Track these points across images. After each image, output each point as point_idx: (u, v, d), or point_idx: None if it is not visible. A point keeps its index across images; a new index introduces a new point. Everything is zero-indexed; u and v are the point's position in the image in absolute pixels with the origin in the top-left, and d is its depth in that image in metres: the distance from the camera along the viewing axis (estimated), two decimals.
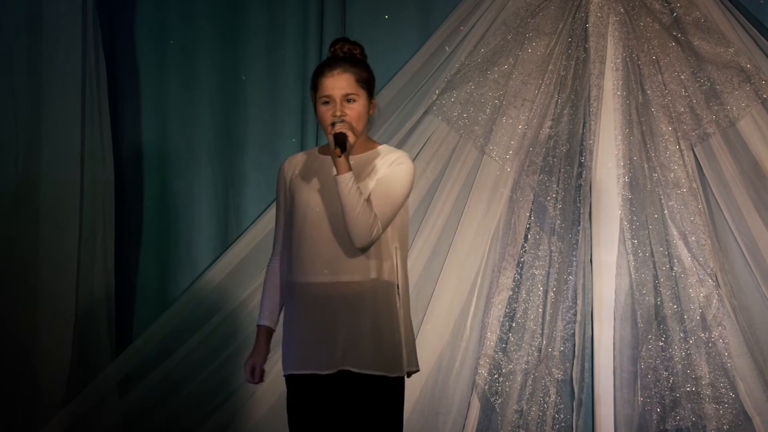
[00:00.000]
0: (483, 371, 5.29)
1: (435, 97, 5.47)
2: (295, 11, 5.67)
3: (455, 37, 5.50)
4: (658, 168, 5.31)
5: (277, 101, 5.69)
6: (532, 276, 5.33)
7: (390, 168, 3.81)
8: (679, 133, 5.34)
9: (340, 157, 3.67)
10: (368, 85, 3.84)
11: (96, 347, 5.47)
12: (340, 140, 3.69)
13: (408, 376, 3.83)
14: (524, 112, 5.42)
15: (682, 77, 5.36)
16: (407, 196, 3.83)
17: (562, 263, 5.30)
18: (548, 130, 5.40)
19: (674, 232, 5.27)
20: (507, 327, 5.35)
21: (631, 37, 5.38)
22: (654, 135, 5.33)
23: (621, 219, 5.32)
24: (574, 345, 5.29)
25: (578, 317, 5.28)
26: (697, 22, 5.38)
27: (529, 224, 5.38)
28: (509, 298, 5.36)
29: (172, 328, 5.44)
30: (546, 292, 5.31)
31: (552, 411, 5.25)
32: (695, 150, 5.36)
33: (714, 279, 5.22)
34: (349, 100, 3.80)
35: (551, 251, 5.32)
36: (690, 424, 5.16)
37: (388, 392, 3.76)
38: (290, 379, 3.84)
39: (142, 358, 5.42)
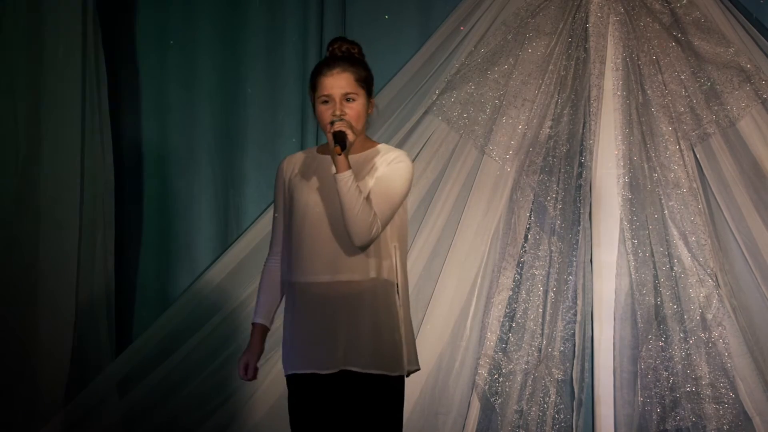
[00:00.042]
0: (483, 371, 5.29)
1: (435, 97, 5.47)
2: (295, 11, 5.67)
3: (455, 37, 5.50)
4: (658, 168, 5.31)
5: (277, 101, 5.69)
6: (532, 276, 5.33)
7: (389, 167, 3.81)
8: (679, 133, 5.34)
9: (340, 155, 3.67)
10: (367, 84, 3.84)
11: (96, 347, 5.47)
12: (340, 138, 3.69)
13: (407, 375, 3.83)
14: (524, 112, 5.42)
15: (682, 77, 5.36)
16: (406, 195, 3.83)
17: (562, 263, 5.30)
18: (548, 130, 5.40)
19: (674, 232, 5.27)
20: (507, 327, 5.35)
21: (631, 37, 5.38)
22: (654, 135, 5.33)
23: (621, 219, 5.32)
24: (574, 345, 5.29)
25: (578, 317, 5.28)
26: (697, 22, 5.38)
27: (529, 224, 5.38)
28: (509, 298, 5.36)
29: (172, 328, 5.44)
30: (546, 292, 5.31)
31: (552, 411, 5.25)
32: (695, 150, 5.36)
33: (714, 279, 5.22)
34: (348, 99, 3.80)
35: (551, 251, 5.32)
36: (690, 424, 5.16)
37: (389, 391, 3.77)
38: (291, 379, 3.85)
39: (142, 358, 5.42)
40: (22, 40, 5.37)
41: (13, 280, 5.32)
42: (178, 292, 5.61)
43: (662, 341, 5.23)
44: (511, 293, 5.35)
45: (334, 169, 3.71)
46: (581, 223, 5.34)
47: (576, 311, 5.29)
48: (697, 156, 5.36)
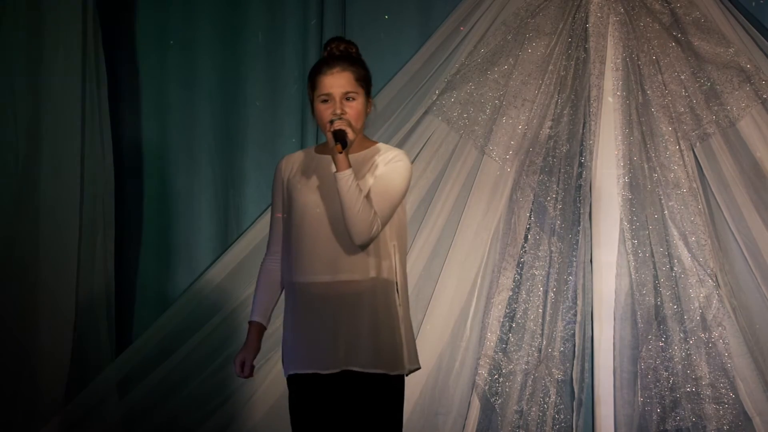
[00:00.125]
0: (483, 371, 5.29)
1: (435, 97, 5.47)
2: (295, 11, 5.67)
3: (455, 37, 5.50)
4: (658, 168, 5.31)
5: (277, 101, 5.69)
6: (532, 276, 5.33)
7: (388, 166, 3.82)
8: (679, 133, 5.34)
9: (341, 153, 3.68)
10: (367, 83, 3.85)
11: (96, 347, 5.47)
12: (340, 137, 3.69)
13: (407, 374, 3.83)
14: (524, 112, 5.42)
15: (682, 77, 5.36)
16: (405, 194, 3.84)
17: (562, 263, 5.30)
18: (548, 130, 5.40)
19: (674, 232, 5.27)
20: (507, 327, 5.35)
21: (631, 37, 5.37)
22: (654, 135, 5.33)
23: (621, 219, 5.32)
24: (574, 345, 5.29)
25: (578, 317, 5.28)
26: (697, 22, 5.38)
27: (529, 224, 5.38)
28: (509, 298, 5.35)
29: (172, 328, 5.44)
30: (546, 293, 5.31)
31: (552, 411, 5.25)
32: (695, 150, 5.36)
33: (714, 279, 5.22)
34: (348, 99, 3.81)
35: (551, 251, 5.32)
36: (690, 424, 5.16)
37: (389, 390, 3.77)
38: (292, 379, 3.85)
39: (142, 358, 5.42)
40: (22, 40, 5.36)
41: (13, 280, 5.32)
42: (178, 292, 5.61)
43: (662, 341, 5.23)
44: (511, 293, 5.35)
45: (334, 168, 3.72)
46: (581, 223, 5.34)
47: (576, 311, 5.29)
48: (697, 156, 5.36)
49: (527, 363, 5.28)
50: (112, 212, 5.59)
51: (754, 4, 5.43)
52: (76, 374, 5.38)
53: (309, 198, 3.83)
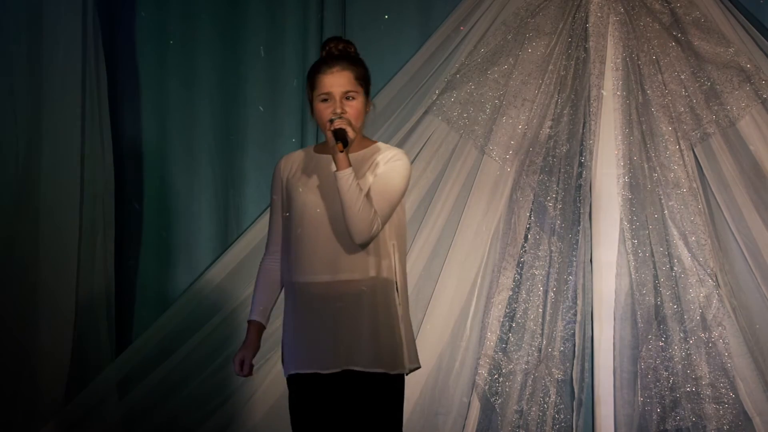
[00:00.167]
0: (483, 371, 5.29)
1: (435, 97, 5.47)
2: (295, 11, 5.67)
3: (455, 37, 5.50)
4: (658, 168, 5.31)
5: (277, 101, 5.69)
6: (532, 276, 5.33)
7: (387, 165, 3.82)
8: (679, 133, 5.34)
9: (342, 152, 3.68)
10: (366, 83, 3.86)
11: (96, 347, 5.47)
12: (341, 135, 3.69)
13: (408, 373, 3.84)
14: (524, 112, 5.42)
15: (682, 77, 5.36)
16: (404, 192, 3.84)
17: (562, 263, 5.30)
18: (548, 130, 5.40)
19: (674, 232, 5.27)
20: (507, 327, 5.35)
21: (631, 37, 5.38)
22: (654, 135, 5.33)
23: (621, 219, 5.32)
24: (574, 345, 5.29)
25: (578, 317, 5.28)
26: (697, 22, 5.38)
27: (529, 224, 5.38)
28: (509, 298, 5.35)
29: (172, 328, 5.44)
30: (546, 292, 5.31)
31: (552, 411, 5.25)
32: (695, 150, 5.36)
33: (714, 279, 5.22)
34: (348, 98, 3.81)
35: (551, 251, 5.32)
36: (690, 424, 5.16)
37: (390, 389, 3.77)
38: (292, 379, 3.85)
39: (142, 358, 5.42)
40: (22, 40, 5.36)
41: (13, 280, 5.32)
42: (178, 292, 5.61)
43: (662, 341, 5.23)
44: (511, 293, 5.35)
45: (334, 167, 3.72)
46: (581, 223, 5.34)
47: (576, 311, 5.29)
48: (697, 156, 5.36)
49: (527, 363, 5.28)
50: (112, 212, 5.59)
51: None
52: (76, 374, 5.38)
53: (308, 198, 3.83)
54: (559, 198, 5.35)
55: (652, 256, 5.28)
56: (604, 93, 5.35)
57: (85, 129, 5.45)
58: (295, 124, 5.66)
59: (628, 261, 5.28)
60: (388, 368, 3.76)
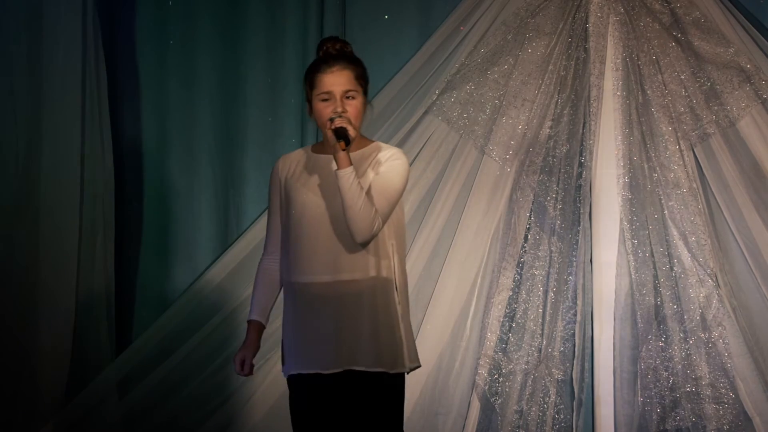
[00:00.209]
0: (483, 371, 5.29)
1: (435, 97, 5.47)
2: (295, 11, 5.67)
3: (455, 37, 5.50)
4: (658, 168, 5.31)
5: (277, 101, 5.69)
6: (532, 276, 5.33)
7: (386, 164, 3.83)
8: (679, 133, 5.34)
9: (344, 150, 3.68)
10: (365, 82, 3.87)
11: (96, 347, 5.47)
12: (343, 134, 3.69)
13: (408, 373, 3.84)
14: (524, 112, 5.42)
15: (682, 77, 5.36)
16: (403, 191, 3.85)
17: (562, 263, 5.30)
18: (548, 130, 5.40)
19: (674, 232, 5.27)
20: (507, 327, 5.35)
21: (631, 37, 5.38)
22: (654, 135, 5.33)
23: (621, 219, 5.32)
24: (574, 345, 5.29)
25: (578, 317, 5.28)
26: (697, 22, 5.38)
27: (529, 224, 5.38)
28: (509, 298, 5.35)
29: (172, 328, 5.44)
30: (546, 292, 5.31)
31: (552, 411, 5.25)
32: (695, 150, 5.36)
33: (714, 279, 5.22)
34: (348, 97, 3.81)
35: (551, 251, 5.32)
36: (690, 424, 5.16)
37: (390, 389, 3.78)
38: (292, 380, 3.85)
39: (142, 358, 5.42)
40: (22, 40, 5.36)
41: (13, 280, 5.32)
42: (178, 292, 5.61)
43: (662, 341, 5.23)
44: (511, 293, 5.35)
45: (335, 166, 3.72)
46: (581, 223, 5.34)
47: (576, 311, 5.29)
48: (697, 156, 5.36)
49: (527, 363, 5.28)
50: (112, 212, 5.59)
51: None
52: (76, 374, 5.38)
53: (308, 197, 3.83)
54: (559, 198, 5.35)
55: (652, 256, 5.28)
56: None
57: (85, 129, 5.45)
58: (295, 124, 5.66)
59: (628, 261, 5.28)
60: (389, 367, 3.76)
